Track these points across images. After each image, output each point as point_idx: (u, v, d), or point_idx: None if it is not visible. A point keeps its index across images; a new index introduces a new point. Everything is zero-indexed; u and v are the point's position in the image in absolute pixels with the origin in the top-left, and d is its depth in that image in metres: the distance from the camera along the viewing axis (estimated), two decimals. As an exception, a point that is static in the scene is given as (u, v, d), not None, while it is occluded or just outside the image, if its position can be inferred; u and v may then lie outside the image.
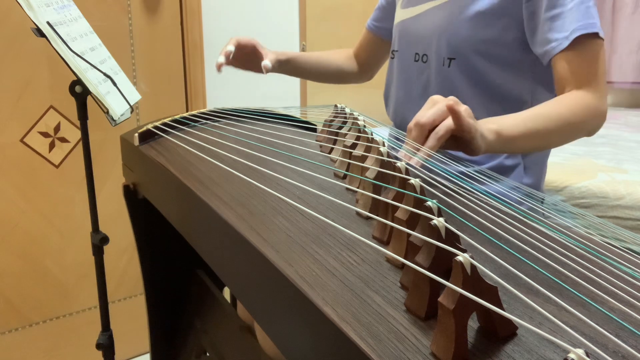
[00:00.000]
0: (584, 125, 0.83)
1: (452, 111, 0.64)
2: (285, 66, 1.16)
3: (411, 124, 0.67)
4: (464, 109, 0.66)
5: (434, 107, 0.67)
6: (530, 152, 0.96)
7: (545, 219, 0.55)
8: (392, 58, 1.09)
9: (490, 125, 0.71)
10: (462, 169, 0.72)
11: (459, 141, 0.68)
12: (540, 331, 0.28)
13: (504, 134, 0.73)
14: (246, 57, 1.11)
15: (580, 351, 0.26)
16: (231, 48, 1.04)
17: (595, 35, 0.82)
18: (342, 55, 1.30)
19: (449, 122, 0.65)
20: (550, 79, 0.93)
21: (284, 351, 0.45)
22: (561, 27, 0.83)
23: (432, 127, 0.66)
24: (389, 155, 0.59)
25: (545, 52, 0.85)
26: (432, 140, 0.65)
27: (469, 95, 0.93)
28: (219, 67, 1.03)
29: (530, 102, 0.94)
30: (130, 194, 0.95)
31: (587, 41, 0.82)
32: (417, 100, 1.01)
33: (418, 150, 0.64)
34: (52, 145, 1.56)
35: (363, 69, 1.32)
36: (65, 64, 0.88)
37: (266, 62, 1.06)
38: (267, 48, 1.11)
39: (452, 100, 0.66)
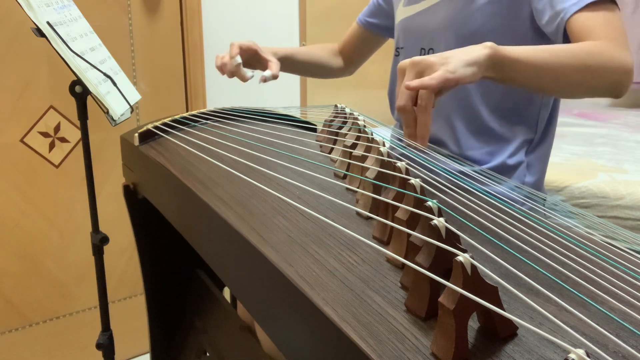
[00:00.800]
0: (603, 73, 0.73)
1: (418, 88, 0.62)
2: (281, 64, 1.15)
3: (396, 112, 0.66)
4: (426, 75, 0.63)
5: (404, 81, 0.64)
6: (538, 89, 0.89)
7: (546, 219, 0.54)
8: (397, 55, 1.09)
9: (485, 43, 0.68)
10: (463, 168, 0.72)
11: (450, 88, 0.65)
12: (540, 331, 0.28)
13: (501, 51, 0.68)
14: (247, 60, 1.11)
15: (581, 351, 0.26)
16: (239, 60, 1.02)
17: (610, 0, 0.78)
18: (326, 51, 1.30)
19: (425, 92, 0.62)
20: None
21: (284, 351, 0.45)
22: None
23: (415, 103, 0.64)
24: (389, 155, 0.59)
25: (557, 25, 0.80)
26: (420, 115, 0.63)
27: (479, 86, 0.92)
28: (230, 72, 1.01)
29: (542, 95, 0.92)
30: (130, 194, 0.95)
31: (601, 5, 0.77)
32: None
33: (418, 145, 0.64)
34: (52, 145, 1.56)
35: (347, 65, 1.31)
36: (65, 64, 0.88)
37: (267, 74, 1.03)
38: (265, 49, 1.11)
39: (413, 80, 0.64)
